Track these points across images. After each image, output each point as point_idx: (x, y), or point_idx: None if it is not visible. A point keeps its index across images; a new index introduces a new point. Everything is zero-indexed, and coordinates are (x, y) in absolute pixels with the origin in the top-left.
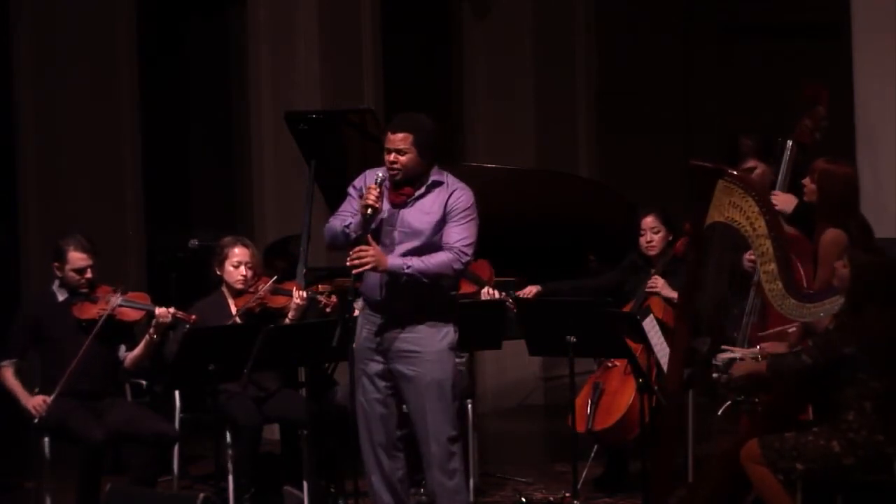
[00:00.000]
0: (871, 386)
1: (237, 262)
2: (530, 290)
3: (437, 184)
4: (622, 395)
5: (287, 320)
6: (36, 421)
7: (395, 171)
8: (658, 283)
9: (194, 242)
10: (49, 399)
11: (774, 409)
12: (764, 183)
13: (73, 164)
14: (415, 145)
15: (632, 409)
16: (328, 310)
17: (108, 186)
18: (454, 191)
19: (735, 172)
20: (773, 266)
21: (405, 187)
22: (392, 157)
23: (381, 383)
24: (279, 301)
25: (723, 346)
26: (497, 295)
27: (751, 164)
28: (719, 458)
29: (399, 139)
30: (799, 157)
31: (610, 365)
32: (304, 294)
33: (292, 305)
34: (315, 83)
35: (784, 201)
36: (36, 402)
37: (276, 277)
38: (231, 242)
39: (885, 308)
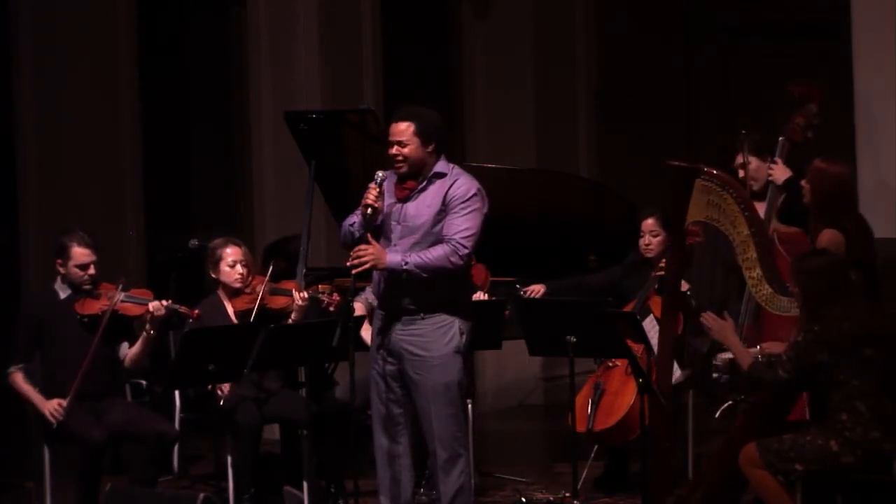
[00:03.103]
0: (854, 385)
1: (232, 262)
2: (537, 290)
3: (440, 175)
4: (623, 395)
5: (289, 321)
6: (54, 426)
7: (400, 164)
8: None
9: (194, 242)
10: (65, 402)
11: (764, 409)
12: (759, 178)
13: (73, 163)
14: (417, 134)
15: (633, 410)
16: (331, 308)
17: (108, 186)
18: (455, 181)
19: (714, 171)
20: (757, 270)
21: (408, 181)
22: (395, 149)
23: (395, 384)
24: (279, 301)
25: (723, 346)
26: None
27: (743, 159)
28: (713, 459)
29: (400, 129)
30: (791, 155)
31: (611, 365)
32: (305, 295)
33: (294, 307)
34: (315, 83)
35: (779, 171)
36: (52, 407)
37: (269, 271)
38: (222, 244)
39: (843, 304)
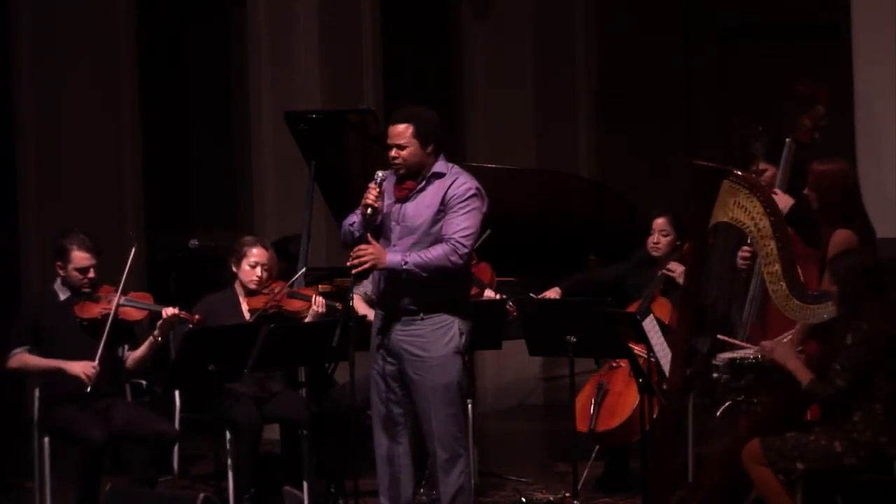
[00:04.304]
0: (883, 387)
1: (254, 263)
2: (552, 294)
3: (439, 175)
4: (627, 396)
5: None
6: (88, 389)
7: (398, 166)
8: (677, 270)
9: (194, 242)
10: (96, 364)
11: (777, 410)
12: (771, 185)
13: (73, 164)
14: (415, 136)
15: (637, 412)
16: None
17: (108, 186)
18: (454, 181)
19: (740, 173)
20: (776, 267)
21: (407, 181)
22: (394, 152)
23: (395, 384)
24: (295, 305)
25: (723, 346)
26: (495, 297)
27: (761, 167)
28: (718, 459)
29: (398, 132)
30: (798, 157)
31: (614, 365)
32: (323, 301)
33: (310, 313)
34: (315, 83)
35: (780, 200)
36: (85, 369)
37: (291, 281)
38: (251, 242)
39: (884, 304)
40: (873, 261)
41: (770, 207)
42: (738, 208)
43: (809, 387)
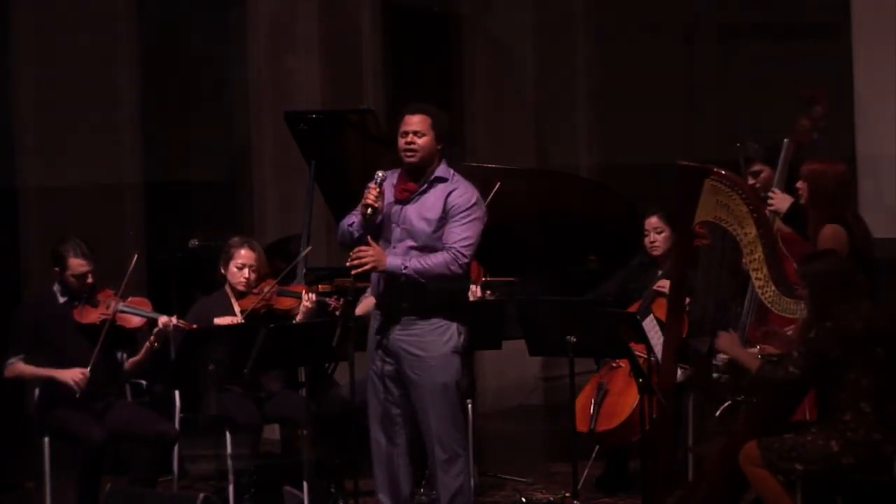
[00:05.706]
0: (862, 384)
1: (241, 264)
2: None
3: (441, 180)
4: (627, 396)
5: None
6: (77, 396)
7: (411, 154)
8: (667, 285)
9: (194, 242)
10: (87, 371)
11: (765, 409)
12: (767, 186)
13: (73, 164)
14: (433, 128)
15: (636, 412)
16: (338, 312)
17: (109, 187)
18: (455, 188)
19: (723, 172)
20: (764, 271)
21: (409, 183)
22: (409, 138)
23: (392, 385)
24: (285, 303)
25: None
26: (479, 294)
27: (757, 167)
28: (717, 458)
29: (416, 121)
30: (796, 157)
31: (614, 365)
32: (313, 297)
33: (301, 308)
34: (315, 83)
35: (780, 200)
36: (75, 376)
37: (277, 280)
38: (238, 244)
39: (854, 303)
40: (841, 264)
41: (753, 204)
42: (720, 207)
43: (760, 372)
